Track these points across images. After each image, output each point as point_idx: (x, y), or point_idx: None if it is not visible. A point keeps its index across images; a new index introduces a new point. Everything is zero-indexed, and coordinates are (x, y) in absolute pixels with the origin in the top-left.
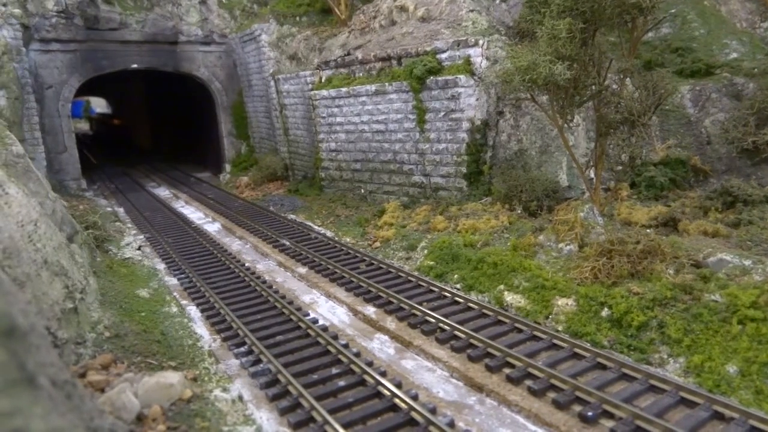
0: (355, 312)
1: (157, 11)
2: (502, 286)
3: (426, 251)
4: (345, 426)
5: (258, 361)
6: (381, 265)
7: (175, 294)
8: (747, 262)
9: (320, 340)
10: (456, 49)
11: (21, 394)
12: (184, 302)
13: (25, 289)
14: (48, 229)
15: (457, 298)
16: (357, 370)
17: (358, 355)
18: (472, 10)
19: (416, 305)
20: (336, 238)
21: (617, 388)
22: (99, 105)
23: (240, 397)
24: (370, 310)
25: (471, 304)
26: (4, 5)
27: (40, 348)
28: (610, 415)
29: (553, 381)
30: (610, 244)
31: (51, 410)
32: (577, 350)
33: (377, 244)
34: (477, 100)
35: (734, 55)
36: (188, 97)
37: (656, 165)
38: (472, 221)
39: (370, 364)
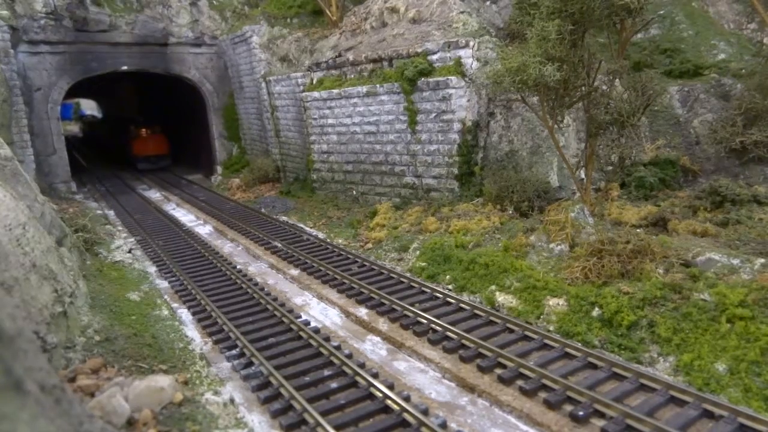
0: (347, 313)
1: (147, 13)
2: (493, 287)
3: (418, 252)
4: (337, 428)
5: (250, 364)
6: (373, 267)
7: (166, 297)
8: (735, 261)
9: (312, 342)
10: (447, 51)
11: (8, 399)
12: (175, 305)
13: (13, 294)
14: (36, 233)
15: (448, 299)
16: (349, 371)
17: (350, 356)
18: (462, 12)
19: (408, 306)
20: (328, 240)
21: (608, 387)
22: (89, 107)
23: (232, 400)
24: (363, 312)
25: (463, 305)
26: None
27: (28, 353)
28: (601, 414)
29: (545, 381)
30: (601, 244)
31: (39, 415)
32: (568, 350)
33: (369, 245)
34: (468, 101)
35: (722, 56)
36: (179, 99)
37: (646, 165)
38: (463, 222)
39: (362, 365)
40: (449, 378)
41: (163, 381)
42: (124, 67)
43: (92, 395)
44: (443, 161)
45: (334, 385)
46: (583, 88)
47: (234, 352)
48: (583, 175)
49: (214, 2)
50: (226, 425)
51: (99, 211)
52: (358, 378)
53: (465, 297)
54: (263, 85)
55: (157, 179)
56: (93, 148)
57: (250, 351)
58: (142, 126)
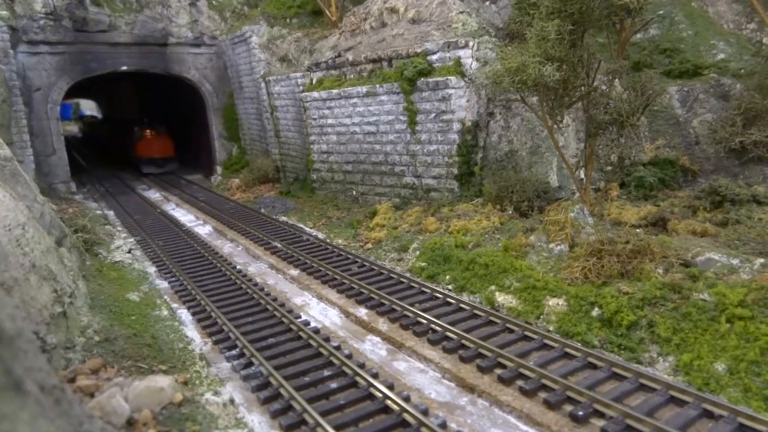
0: (347, 314)
1: (147, 13)
2: (493, 287)
3: (418, 252)
4: (337, 428)
5: (249, 364)
6: (373, 267)
7: (165, 297)
8: (735, 261)
9: (312, 342)
10: (446, 51)
11: (8, 399)
12: (174, 305)
13: (13, 294)
14: (36, 233)
15: (448, 299)
16: (349, 372)
17: (350, 356)
18: (461, 12)
19: (408, 306)
20: (328, 240)
21: (608, 387)
22: (89, 107)
23: (231, 401)
24: (362, 312)
25: (462, 305)
26: None
27: (28, 353)
28: (601, 414)
29: (545, 381)
30: (600, 244)
31: (38, 415)
32: (568, 350)
33: (369, 245)
34: (468, 101)
35: (721, 55)
36: (179, 100)
37: (645, 165)
38: (463, 222)
39: (362, 365)
40: (449, 378)
41: (162, 381)
42: (124, 68)
43: (92, 395)
44: (443, 161)
45: (333, 385)
46: (583, 88)
47: (234, 352)
48: (582, 175)
49: (214, 2)
50: (225, 425)
51: (99, 212)
52: (358, 378)
53: (465, 297)
54: (263, 85)
55: (157, 179)
56: (93, 149)
57: (249, 351)
58: (146, 127)
